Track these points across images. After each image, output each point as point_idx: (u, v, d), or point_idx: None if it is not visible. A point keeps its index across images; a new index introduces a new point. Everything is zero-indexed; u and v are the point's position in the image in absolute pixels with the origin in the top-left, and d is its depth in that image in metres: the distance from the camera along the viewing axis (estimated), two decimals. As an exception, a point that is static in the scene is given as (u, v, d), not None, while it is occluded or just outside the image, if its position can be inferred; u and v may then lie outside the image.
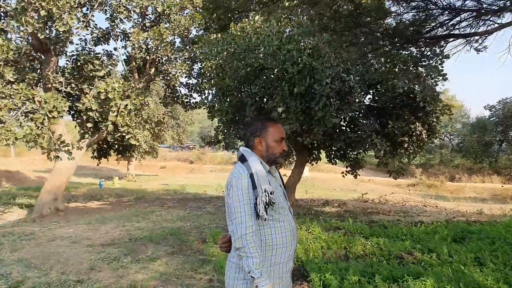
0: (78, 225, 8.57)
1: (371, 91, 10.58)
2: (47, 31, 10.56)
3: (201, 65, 12.35)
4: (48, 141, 9.34)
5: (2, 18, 10.53)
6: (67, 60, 12.95)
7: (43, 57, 11.29)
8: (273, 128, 2.12)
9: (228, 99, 10.14)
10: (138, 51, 12.87)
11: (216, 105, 10.64)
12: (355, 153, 11.39)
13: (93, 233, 7.42)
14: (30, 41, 11.02)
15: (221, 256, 5.16)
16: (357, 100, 9.00)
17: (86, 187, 20.56)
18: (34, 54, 11.83)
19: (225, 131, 11.26)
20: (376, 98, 10.49)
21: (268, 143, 2.10)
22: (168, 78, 13.41)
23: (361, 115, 10.22)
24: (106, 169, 41.11)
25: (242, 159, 2.06)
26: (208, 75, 10.92)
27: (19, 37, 10.39)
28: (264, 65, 9.10)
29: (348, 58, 8.22)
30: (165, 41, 11.85)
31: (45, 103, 9.61)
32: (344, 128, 10.29)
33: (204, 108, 13.75)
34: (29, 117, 9.74)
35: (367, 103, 10.69)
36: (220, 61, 9.52)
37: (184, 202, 13.52)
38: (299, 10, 11.11)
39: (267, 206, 1.90)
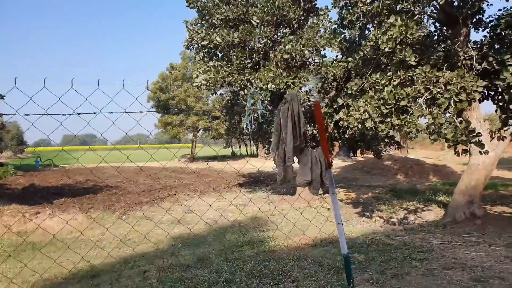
0: (494, 246, 6.14)
1: None
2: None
3: None
4: (453, 131, 7.48)
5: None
6: (484, 31, 10.46)
7: (450, 31, 9.51)
8: None
9: None
10: None
11: None
12: None
13: (510, 267, 4.86)
14: (437, 16, 9.59)
15: None
16: None
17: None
18: (441, 31, 10.28)
19: None
20: None
21: None
22: None
23: None
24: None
25: None
26: None
27: (423, 14, 9.14)
28: None
29: None
30: None
31: (449, 84, 7.82)
32: None
33: None
34: (433, 103, 8.26)
35: None
36: None
37: None
38: None
39: None
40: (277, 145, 3.57)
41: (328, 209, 12.43)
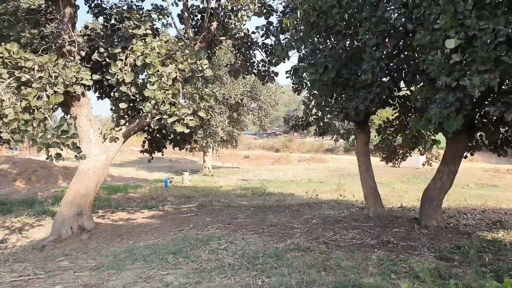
0: (82, 271, 4.96)
1: None
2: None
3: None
4: (43, 132, 5.89)
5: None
6: (95, 16, 9.66)
7: (53, 8, 7.94)
8: None
9: (331, 41, 5.82)
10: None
11: (307, 58, 6.33)
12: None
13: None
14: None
15: None
16: None
17: (150, 186, 17.57)
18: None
19: (322, 103, 6.94)
20: None
21: None
22: (235, 33, 9.40)
23: None
24: (184, 161, 38.03)
25: None
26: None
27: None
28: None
29: None
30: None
31: (40, 71, 6.16)
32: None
33: (288, 76, 9.27)
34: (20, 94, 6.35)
35: None
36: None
37: (261, 214, 9.53)
38: None
39: None
40: None
41: None
